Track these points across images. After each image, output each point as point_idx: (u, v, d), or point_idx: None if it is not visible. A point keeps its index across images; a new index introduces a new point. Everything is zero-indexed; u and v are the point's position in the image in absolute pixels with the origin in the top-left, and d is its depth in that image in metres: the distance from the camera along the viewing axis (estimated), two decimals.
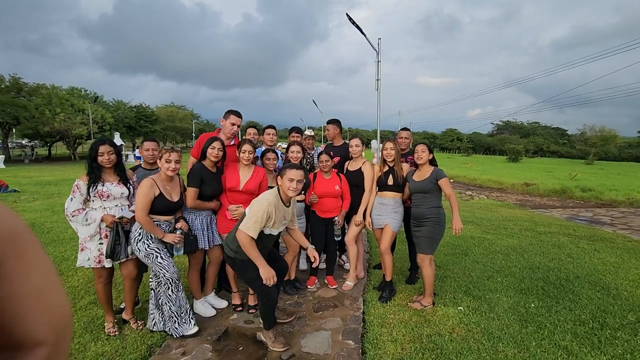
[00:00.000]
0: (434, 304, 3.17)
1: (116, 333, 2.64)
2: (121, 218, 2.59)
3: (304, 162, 3.81)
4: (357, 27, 9.30)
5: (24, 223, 0.42)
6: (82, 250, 2.57)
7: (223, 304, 3.19)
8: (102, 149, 2.55)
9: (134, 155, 24.82)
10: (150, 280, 2.67)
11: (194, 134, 41.44)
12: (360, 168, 3.59)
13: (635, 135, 78.63)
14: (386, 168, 3.40)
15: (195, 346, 2.55)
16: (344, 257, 4.39)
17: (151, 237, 2.58)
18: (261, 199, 2.53)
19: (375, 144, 11.26)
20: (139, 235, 2.56)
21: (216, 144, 2.88)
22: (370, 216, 3.48)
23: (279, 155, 3.61)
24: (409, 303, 3.21)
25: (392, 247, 3.65)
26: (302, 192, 3.46)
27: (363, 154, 3.71)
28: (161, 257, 2.56)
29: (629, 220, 8.09)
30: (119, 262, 2.62)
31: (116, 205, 2.62)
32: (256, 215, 2.44)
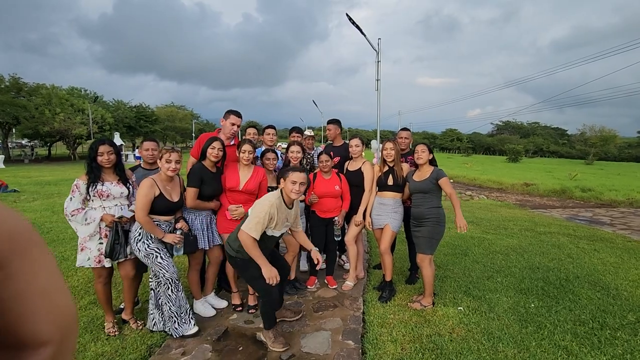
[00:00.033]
0: (433, 304, 3.17)
1: (116, 333, 2.64)
2: (121, 217, 2.59)
3: (304, 162, 3.81)
4: (357, 27, 9.30)
5: (26, 223, 0.42)
6: (81, 250, 2.57)
7: (223, 304, 3.19)
8: (102, 148, 2.55)
9: (134, 155, 24.80)
10: (150, 280, 2.67)
11: (193, 134, 41.39)
12: (360, 168, 3.59)
13: (635, 135, 78.70)
14: (386, 168, 3.40)
15: (195, 346, 2.55)
16: (343, 257, 4.39)
17: (151, 237, 2.58)
18: (263, 201, 2.54)
19: (375, 144, 11.26)
20: (139, 235, 2.56)
21: (216, 144, 2.88)
22: (370, 216, 3.48)
23: (279, 155, 3.62)
24: (409, 303, 3.21)
25: (392, 247, 3.65)
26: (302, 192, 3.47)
27: (363, 154, 3.71)
28: (161, 257, 2.56)
29: (629, 221, 8.09)
30: (117, 262, 2.63)
31: (116, 205, 2.63)
32: (258, 217, 2.44)
